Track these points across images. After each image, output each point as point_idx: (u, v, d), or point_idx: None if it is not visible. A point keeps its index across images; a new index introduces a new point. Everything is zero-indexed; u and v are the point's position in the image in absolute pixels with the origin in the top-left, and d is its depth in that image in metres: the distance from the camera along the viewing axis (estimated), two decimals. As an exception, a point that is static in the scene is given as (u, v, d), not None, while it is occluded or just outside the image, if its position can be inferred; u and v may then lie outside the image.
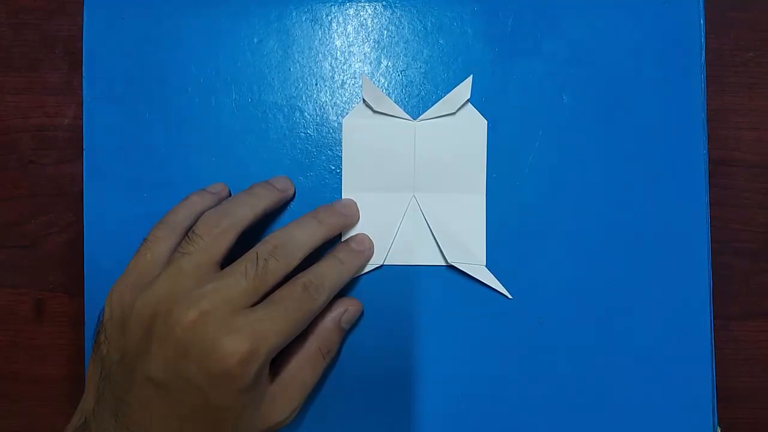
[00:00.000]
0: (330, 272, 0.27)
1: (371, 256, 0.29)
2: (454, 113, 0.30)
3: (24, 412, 0.33)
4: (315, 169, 0.30)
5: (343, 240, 0.29)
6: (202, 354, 0.22)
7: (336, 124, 0.30)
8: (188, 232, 0.26)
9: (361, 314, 0.29)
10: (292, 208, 0.30)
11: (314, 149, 0.30)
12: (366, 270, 0.30)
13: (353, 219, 0.29)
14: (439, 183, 0.30)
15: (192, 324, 0.23)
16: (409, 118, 0.30)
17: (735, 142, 0.33)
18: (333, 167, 0.30)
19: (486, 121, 0.30)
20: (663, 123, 0.30)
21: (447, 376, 0.30)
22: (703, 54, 0.30)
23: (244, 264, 0.24)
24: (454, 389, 0.29)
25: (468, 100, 0.30)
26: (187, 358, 0.23)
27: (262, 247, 0.25)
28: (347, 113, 0.30)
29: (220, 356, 0.22)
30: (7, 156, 0.32)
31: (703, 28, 0.30)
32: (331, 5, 0.31)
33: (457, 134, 0.30)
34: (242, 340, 0.23)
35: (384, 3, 0.31)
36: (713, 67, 0.32)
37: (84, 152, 0.30)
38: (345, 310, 0.28)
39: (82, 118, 0.30)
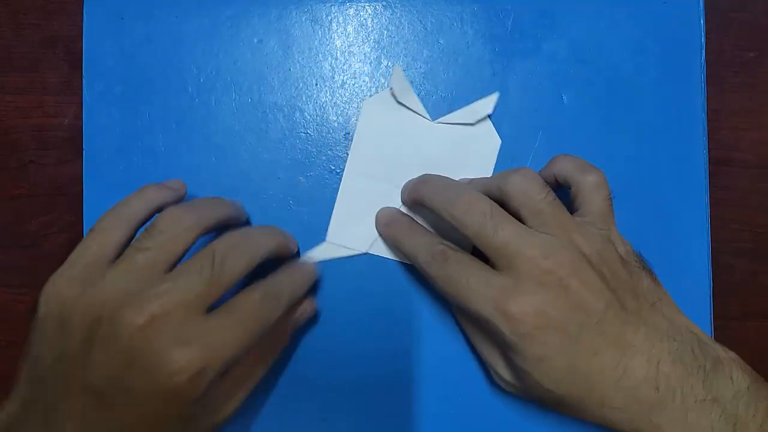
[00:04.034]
0: (289, 282, 0.26)
1: (315, 277, 0.28)
2: (472, 124, 0.30)
3: (24, 412, 0.33)
4: (315, 169, 0.30)
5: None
6: (150, 366, 0.20)
7: (336, 124, 0.30)
8: (142, 226, 0.24)
9: (316, 316, 0.29)
10: (292, 207, 0.30)
11: (314, 149, 0.30)
12: (348, 254, 0.29)
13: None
14: None
15: (140, 330, 0.20)
16: (428, 117, 0.30)
17: (735, 142, 0.33)
18: (333, 167, 0.30)
19: (500, 141, 0.30)
20: (663, 123, 0.30)
21: (446, 374, 0.30)
22: (703, 54, 0.30)
23: (200, 262, 0.22)
24: (453, 388, 0.29)
25: (489, 115, 0.30)
26: (133, 369, 0.21)
27: (219, 244, 0.23)
28: (368, 98, 0.30)
29: (169, 371, 0.20)
30: (7, 156, 0.32)
31: (703, 28, 0.30)
32: (331, 5, 0.31)
33: (469, 145, 0.30)
34: (193, 353, 0.21)
35: (384, 3, 0.31)
36: (713, 67, 0.31)
37: (84, 152, 0.30)
38: (304, 310, 0.28)
39: (82, 118, 0.30)
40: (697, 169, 0.30)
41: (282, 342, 0.27)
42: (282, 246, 0.26)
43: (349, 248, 0.30)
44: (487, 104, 0.30)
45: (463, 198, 0.25)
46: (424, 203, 0.27)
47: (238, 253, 0.23)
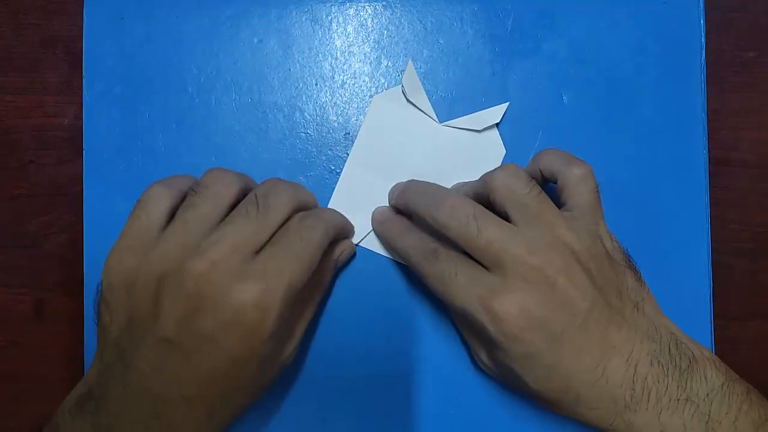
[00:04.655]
0: (320, 211, 0.27)
1: (352, 228, 0.30)
2: (479, 131, 0.30)
3: (24, 412, 0.33)
4: (315, 169, 0.30)
5: None
6: (216, 307, 0.21)
7: (336, 124, 0.30)
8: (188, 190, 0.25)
9: (354, 254, 0.30)
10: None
11: (314, 149, 0.30)
12: None
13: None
14: None
15: (203, 276, 0.22)
16: (435, 119, 0.30)
17: (735, 142, 0.33)
18: (333, 167, 0.30)
19: (505, 151, 0.30)
20: (663, 123, 0.30)
21: (446, 374, 0.30)
22: (703, 54, 0.30)
23: (245, 206, 0.24)
24: (453, 388, 0.29)
25: (497, 124, 0.30)
26: (201, 313, 0.22)
27: (259, 188, 0.25)
28: (379, 93, 0.30)
29: (234, 307, 0.21)
30: (7, 156, 0.32)
31: (703, 28, 0.30)
32: (331, 5, 0.31)
33: (473, 152, 0.30)
34: (253, 285, 0.22)
35: (384, 3, 0.31)
36: (713, 67, 0.31)
37: (84, 152, 0.30)
38: (342, 250, 0.29)
39: (82, 118, 0.30)
40: (697, 169, 0.30)
41: (324, 280, 0.28)
42: (311, 197, 0.28)
43: None
44: (496, 113, 0.30)
45: (447, 202, 0.24)
46: (409, 209, 0.27)
47: (277, 190, 0.25)
